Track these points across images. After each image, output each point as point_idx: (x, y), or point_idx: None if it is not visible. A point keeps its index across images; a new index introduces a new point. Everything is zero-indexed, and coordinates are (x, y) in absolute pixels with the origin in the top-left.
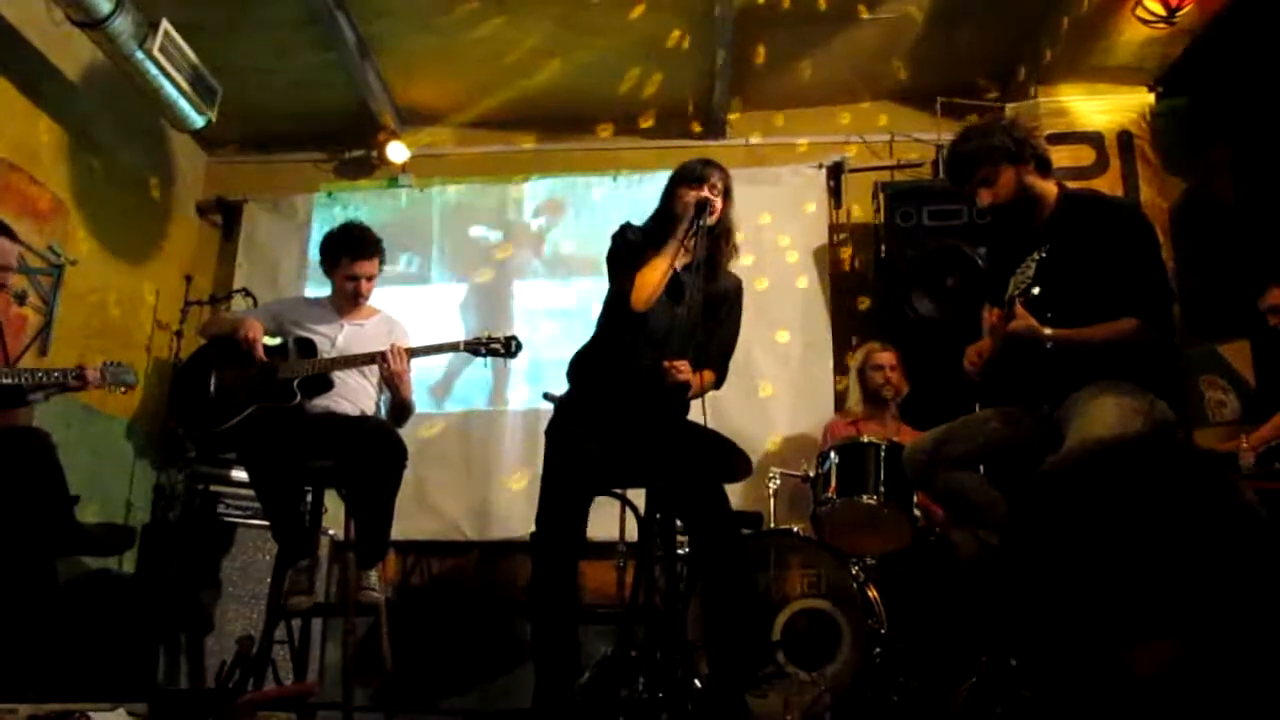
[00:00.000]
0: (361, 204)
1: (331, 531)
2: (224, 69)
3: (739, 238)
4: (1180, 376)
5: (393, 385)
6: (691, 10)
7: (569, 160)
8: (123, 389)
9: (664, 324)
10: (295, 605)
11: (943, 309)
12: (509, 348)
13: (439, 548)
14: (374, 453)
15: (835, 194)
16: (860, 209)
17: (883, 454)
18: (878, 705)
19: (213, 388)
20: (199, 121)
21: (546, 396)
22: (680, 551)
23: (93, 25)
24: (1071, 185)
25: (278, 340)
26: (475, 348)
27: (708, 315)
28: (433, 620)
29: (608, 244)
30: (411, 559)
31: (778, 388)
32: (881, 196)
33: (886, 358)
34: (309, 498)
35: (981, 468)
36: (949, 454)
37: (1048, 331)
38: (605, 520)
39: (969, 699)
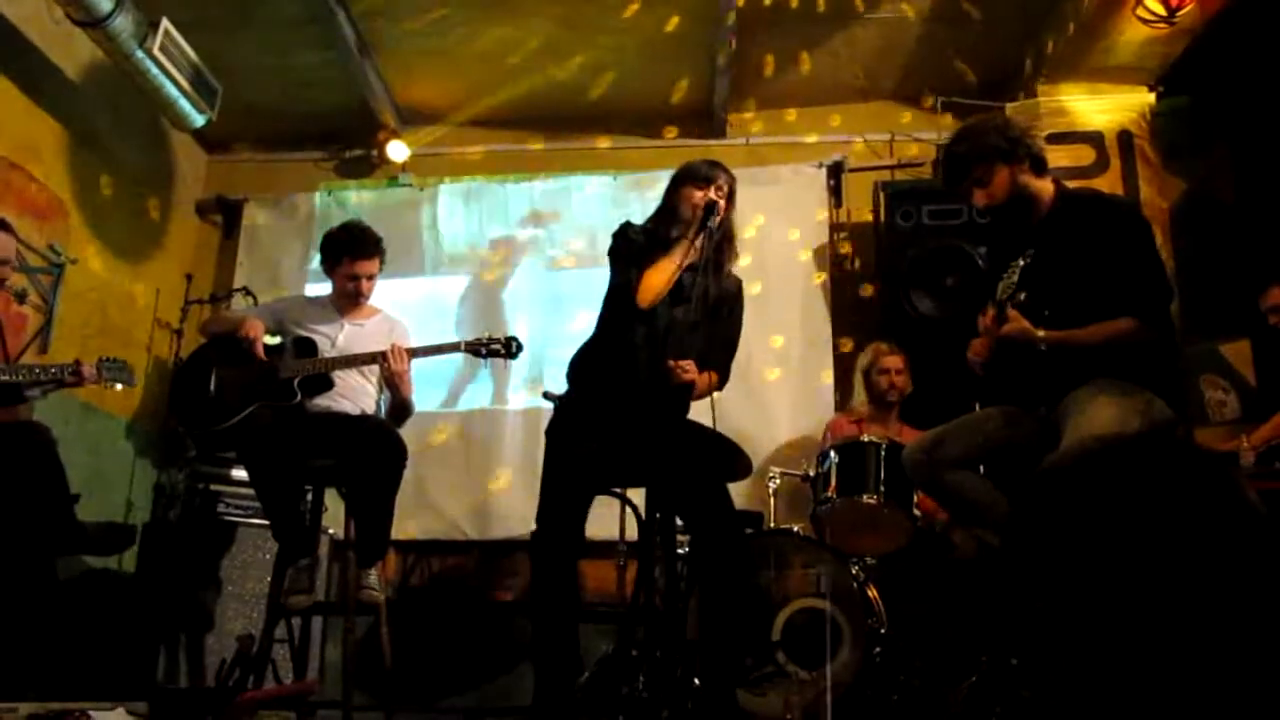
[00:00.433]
0: (362, 203)
1: (331, 530)
2: (224, 68)
3: (739, 237)
4: (1180, 375)
5: (393, 385)
6: (692, 9)
7: (569, 159)
8: (119, 385)
9: (664, 323)
10: (295, 604)
11: (943, 308)
12: (509, 348)
13: (439, 547)
14: (374, 452)
15: (835, 193)
16: (860, 208)
17: (883, 453)
18: (878, 704)
19: (213, 386)
20: (199, 120)
21: (546, 396)
22: (680, 551)
23: (93, 24)
24: (1071, 185)
25: (278, 339)
26: (476, 349)
27: (709, 316)
28: (433, 619)
29: (608, 243)
30: (411, 558)
31: (778, 387)
32: (882, 196)
33: (894, 361)
34: (309, 497)
35: (981, 467)
36: (949, 453)
37: (1041, 334)
38: (605, 519)
39: (969, 698)
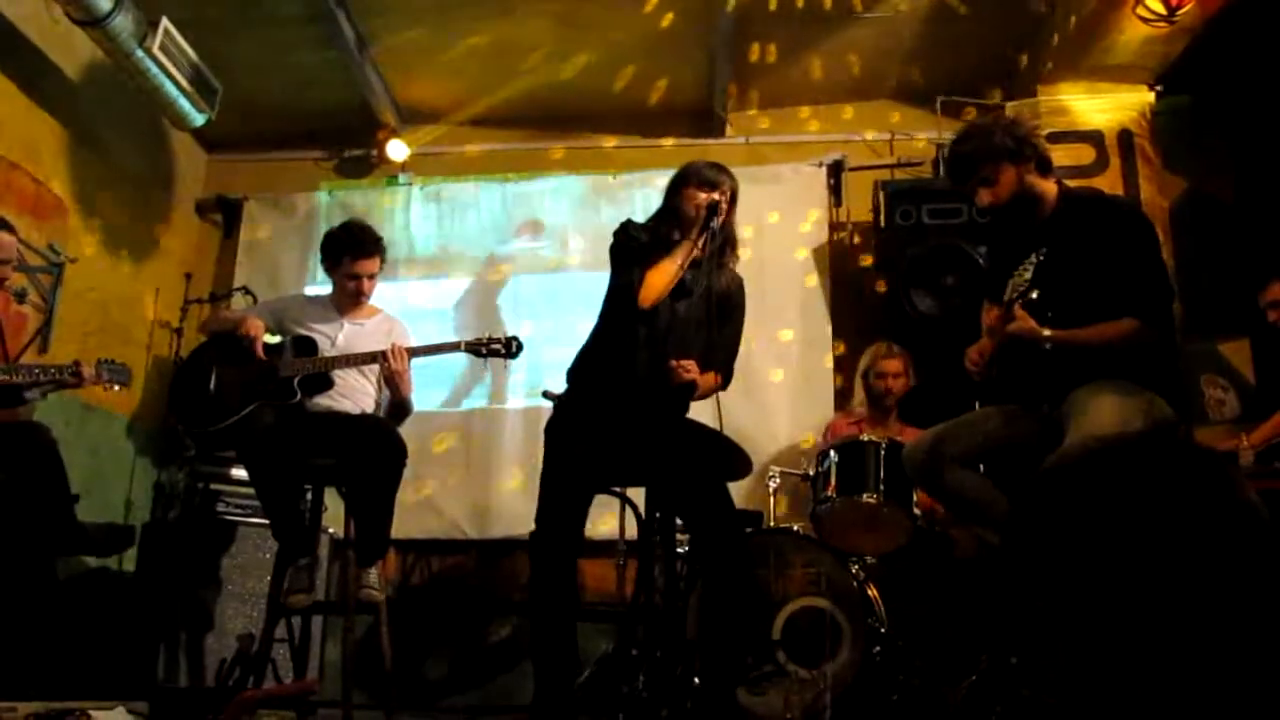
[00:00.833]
0: (362, 202)
1: (331, 530)
2: (224, 67)
3: (740, 236)
4: (1181, 375)
5: (392, 384)
6: (692, 8)
7: (569, 158)
8: (117, 386)
9: (665, 322)
10: (295, 603)
11: (943, 307)
12: (510, 348)
13: (439, 546)
14: (374, 451)
15: (835, 192)
16: (860, 207)
17: (883, 452)
18: (878, 703)
19: (212, 386)
20: (199, 119)
21: (546, 395)
22: (680, 550)
23: (93, 23)
24: (1072, 184)
25: (278, 338)
26: (476, 348)
27: (711, 316)
28: (433, 619)
29: (608, 242)
30: (411, 557)
31: (778, 386)
32: (882, 195)
33: (891, 365)
34: (309, 496)
35: (982, 466)
36: (949, 452)
37: (1046, 333)
38: (605, 519)
39: (968, 697)
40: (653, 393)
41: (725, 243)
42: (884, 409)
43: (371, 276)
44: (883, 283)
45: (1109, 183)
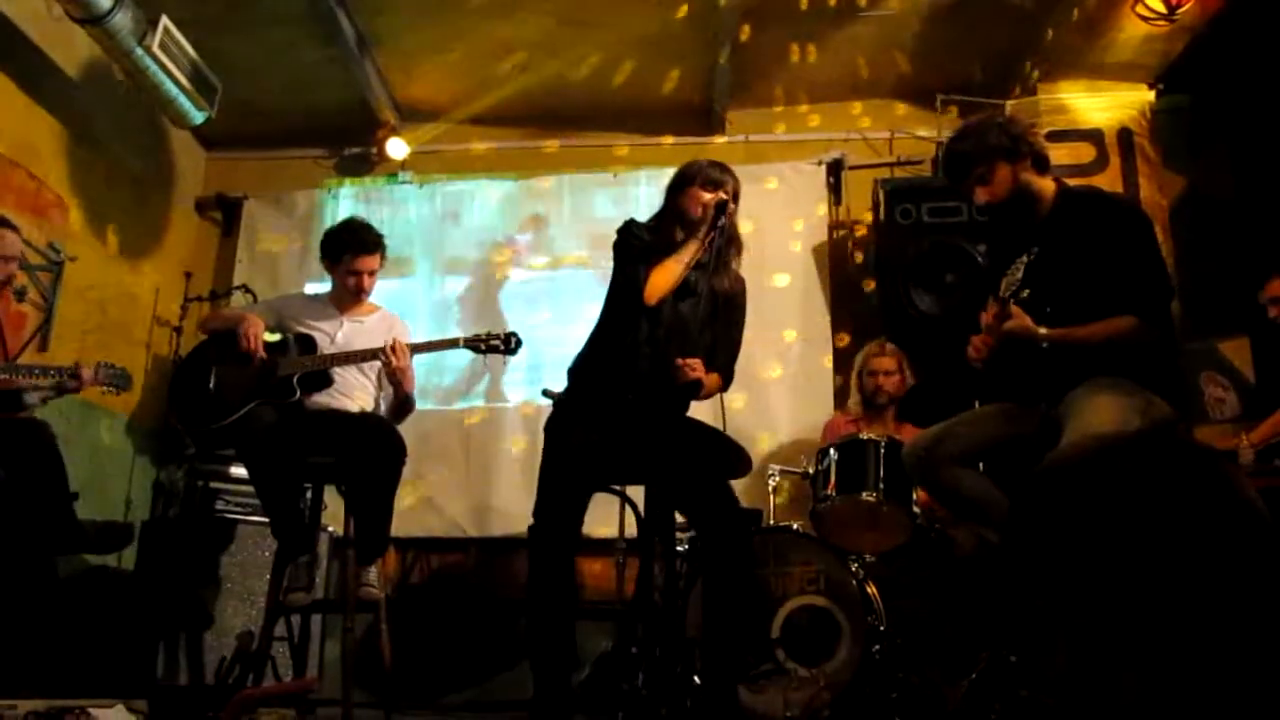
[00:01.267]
0: (361, 200)
1: (331, 528)
2: (224, 65)
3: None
4: (1180, 373)
5: (394, 381)
6: (691, 7)
7: (568, 156)
8: (115, 390)
9: (667, 321)
10: (295, 602)
11: (943, 306)
12: (509, 344)
13: (438, 544)
14: (373, 449)
15: (835, 191)
16: (860, 206)
17: (882, 451)
18: (877, 702)
19: (212, 384)
20: (199, 118)
21: (545, 393)
22: (680, 548)
23: (92, 21)
24: (1071, 182)
25: (277, 336)
26: (475, 345)
27: (713, 315)
28: (432, 617)
29: (608, 241)
30: (411, 555)
31: (778, 385)
32: (881, 193)
33: (882, 364)
34: (308, 494)
35: (981, 465)
36: (948, 451)
37: (1043, 331)
38: (605, 517)
39: (968, 695)
40: (654, 391)
41: (729, 242)
42: (877, 407)
43: (372, 273)
44: (878, 281)
45: (1108, 181)
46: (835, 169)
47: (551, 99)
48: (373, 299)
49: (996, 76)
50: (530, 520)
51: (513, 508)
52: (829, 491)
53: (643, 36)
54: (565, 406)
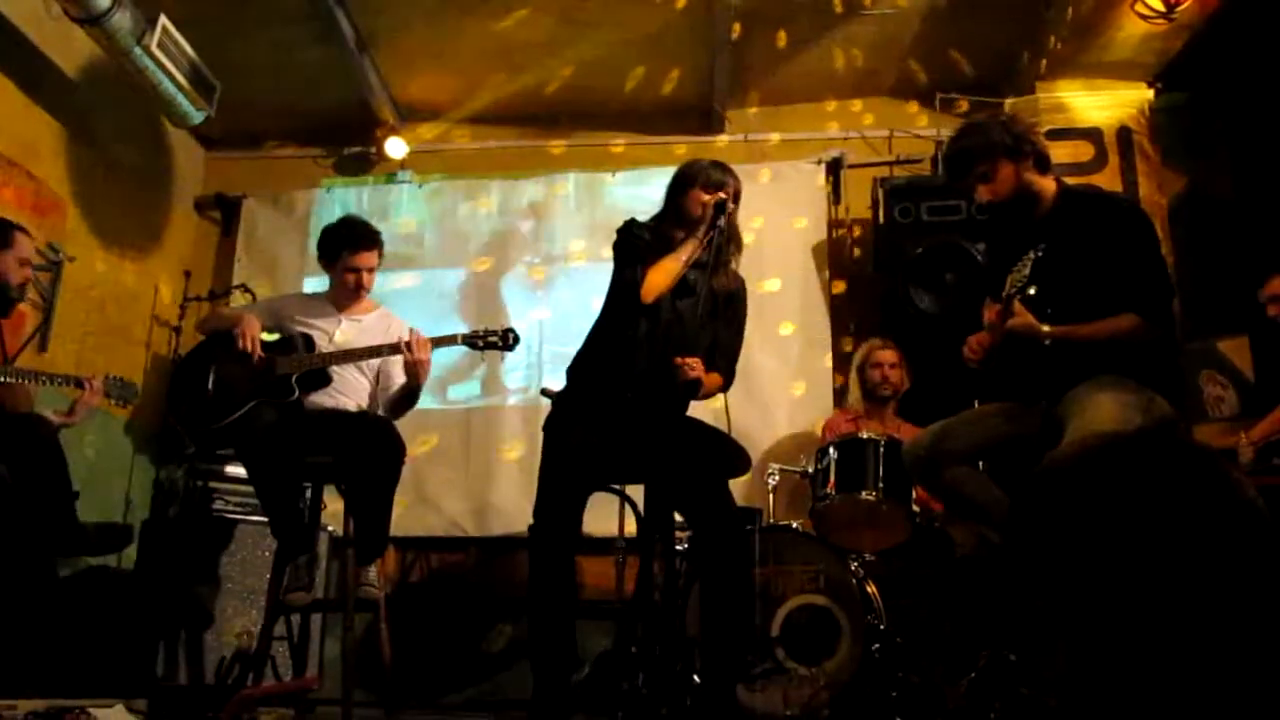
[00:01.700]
0: (361, 199)
1: (330, 527)
2: (223, 65)
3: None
4: (1180, 372)
5: (411, 373)
6: (691, 6)
7: (567, 156)
8: (123, 404)
9: (666, 319)
10: (294, 601)
11: (942, 304)
12: (506, 340)
13: (438, 544)
14: (372, 448)
15: (834, 190)
16: (859, 205)
17: (881, 449)
18: (877, 701)
19: (210, 384)
20: (197, 117)
21: (544, 392)
22: (679, 547)
23: (91, 21)
24: (1070, 181)
25: (276, 336)
26: (473, 341)
27: (713, 315)
28: (432, 616)
29: (608, 240)
30: (410, 555)
31: (777, 384)
32: (880, 192)
33: (886, 356)
34: (308, 494)
35: (981, 463)
36: (948, 450)
37: (1046, 329)
38: (604, 516)
39: (968, 694)
40: (653, 390)
41: (729, 242)
42: (880, 400)
43: (371, 270)
44: (874, 287)
45: (1108, 180)
46: (834, 168)
47: (550, 98)
48: (371, 298)
49: (996, 75)
50: (530, 520)
51: (512, 507)
52: (829, 490)
53: (642, 36)
54: (564, 406)
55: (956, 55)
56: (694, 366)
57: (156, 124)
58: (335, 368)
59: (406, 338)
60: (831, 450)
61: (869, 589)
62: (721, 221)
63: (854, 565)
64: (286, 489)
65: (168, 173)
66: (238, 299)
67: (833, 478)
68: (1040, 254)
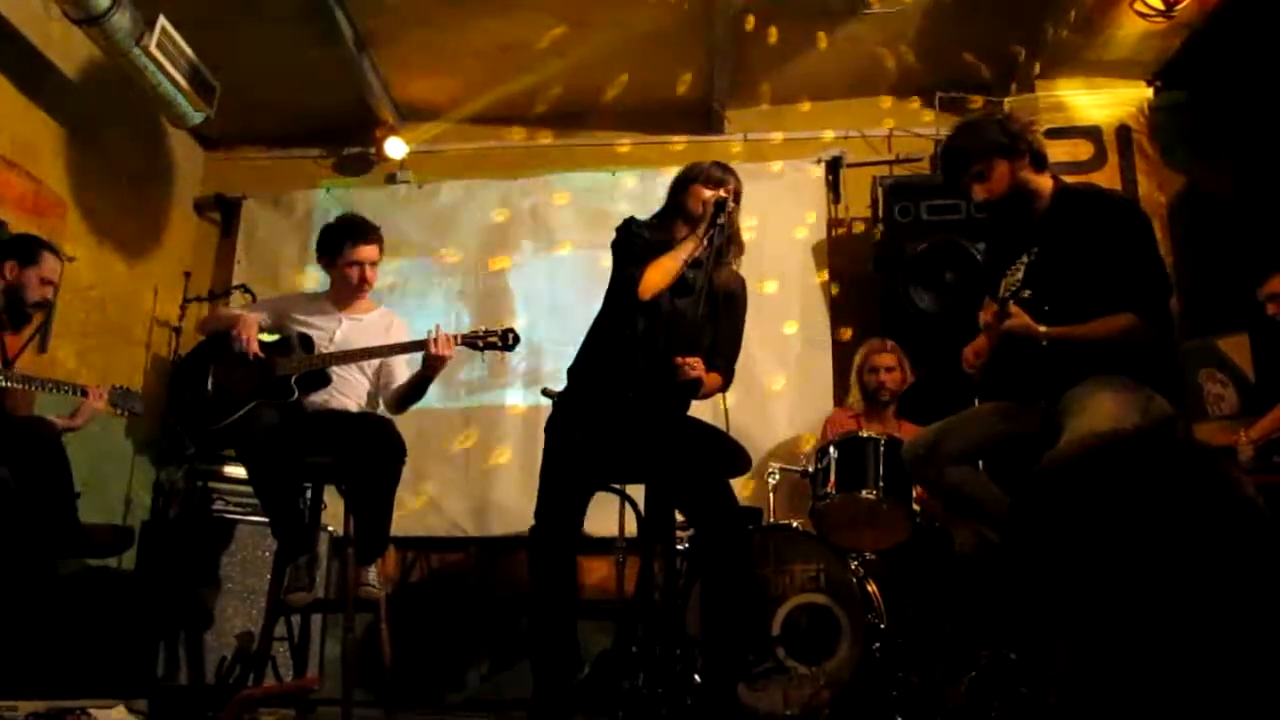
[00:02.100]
0: (360, 200)
1: (330, 527)
2: (222, 65)
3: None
4: (1179, 371)
5: (432, 367)
6: (691, 6)
7: (568, 156)
8: (127, 415)
9: (665, 318)
10: (295, 601)
11: (942, 303)
12: (506, 341)
13: (438, 544)
14: (373, 448)
15: (834, 189)
16: (859, 204)
17: (882, 449)
18: (877, 700)
19: (210, 385)
20: (197, 118)
21: (545, 392)
22: (680, 547)
23: (90, 22)
24: (1070, 179)
25: (276, 336)
26: (473, 341)
27: (713, 314)
28: (432, 616)
29: (606, 239)
30: (411, 555)
31: (777, 383)
32: (880, 191)
33: (884, 360)
34: (308, 494)
35: (981, 463)
36: (948, 449)
37: (1043, 330)
38: (605, 516)
39: (968, 693)
40: (652, 389)
41: (729, 241)
42: (879, 404)
43: (374, 264)
44: (874, 286)
45: (1107, 178)
46: (834, 167)
47: (550, 98)
48: (370, 297)
49: (995, 74)
50: (530, 520)
51: (512, 507)
52: (829, 489)
53: (643, 36)
54: (565, 406)
55: (956, 54)
56: (694, 366)
57: (156, 124)
58: (335, 367)
59: (400, 338)
60: (832, 449)
61: (869, 588)
62: (722, 219)
63: (854, 564)
64: (286, 489)
65: (167, 173)
66: (237, 300)
67: (833, 477)
68: (1034, 257)
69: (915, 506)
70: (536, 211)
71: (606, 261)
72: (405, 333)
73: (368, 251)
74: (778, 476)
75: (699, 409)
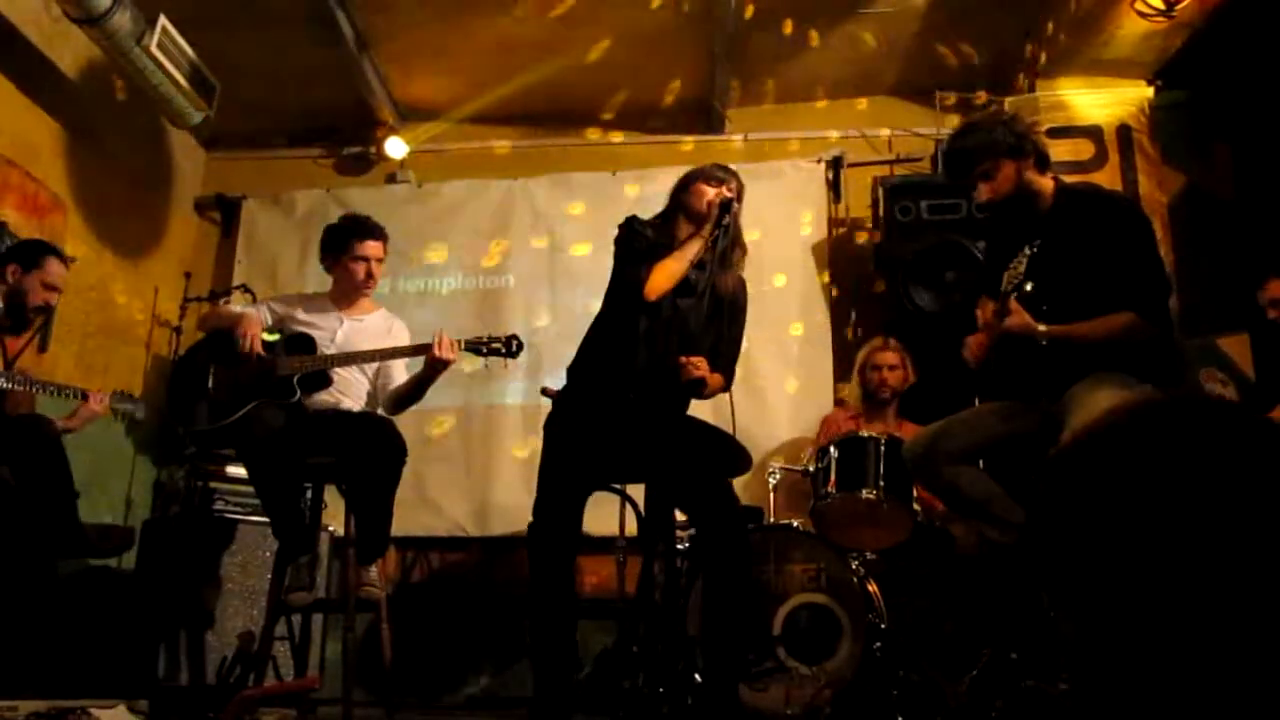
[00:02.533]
0: (361, 199)
1: (331, 527)
2: (222, 65)
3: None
4: (1180, 370)
5: (436, 370)
6: (691, 5)
7: (568, 156)
8: (127, 421)
9: (667, 318)
10: (296, 601)
11: (942, 303)
12: (510, 347)
13: (439, 543)
14: (374, 449)
15: (835, 189)
16: (860, 204)
17: (882, 448)
18: (878, 699)
19: (210, 385)
20: (197, 118)
21: (544, 392)
22: (680, 546)
23: (90, 21)
24: (1070, 179)
25: (277, 335)
26: (476, 347)
27: (714, 315)
28: (433, 616)
29: (609, 239)
30: (411, 555)
31: (778, 382)
32: (881, 191)
33: (886, 358)
34: (309, 494)
35: (981, 462)
36: (948, 448)
37: (1042, 328)
38: (605, 516)
39: (969, 692)
40: (653, 388)
41: (733, 244)
42: (880, 403)
43: (379, 260)
44: (874, 285)
45: (1108, 178)
46: (835, 166)
47: (550, 98)
48: (371, 299)
49: (995, 73)
50: (530, 519)
51: (513, 507)
52: (829, 489)
53: (642, 35)
54: (565, 405)
55: (956, 54)
56: (698, 365)
57: (156, 124)
58: (336, 368)
59: (402, 340)
60: (832, 449)
61: (870, 588)
62: (726, 220)
63: (855, 564)
64: (287, 489)
65: (167, 173)
66: (238, 300)
67: (833, 476)
68: (1036, 250)
69: (916, 506)
70: (536, 211)
71: (607, 261)
72: (407, 335)
73: (374, 247)
74: (778, 476)
75: (700, 409)
